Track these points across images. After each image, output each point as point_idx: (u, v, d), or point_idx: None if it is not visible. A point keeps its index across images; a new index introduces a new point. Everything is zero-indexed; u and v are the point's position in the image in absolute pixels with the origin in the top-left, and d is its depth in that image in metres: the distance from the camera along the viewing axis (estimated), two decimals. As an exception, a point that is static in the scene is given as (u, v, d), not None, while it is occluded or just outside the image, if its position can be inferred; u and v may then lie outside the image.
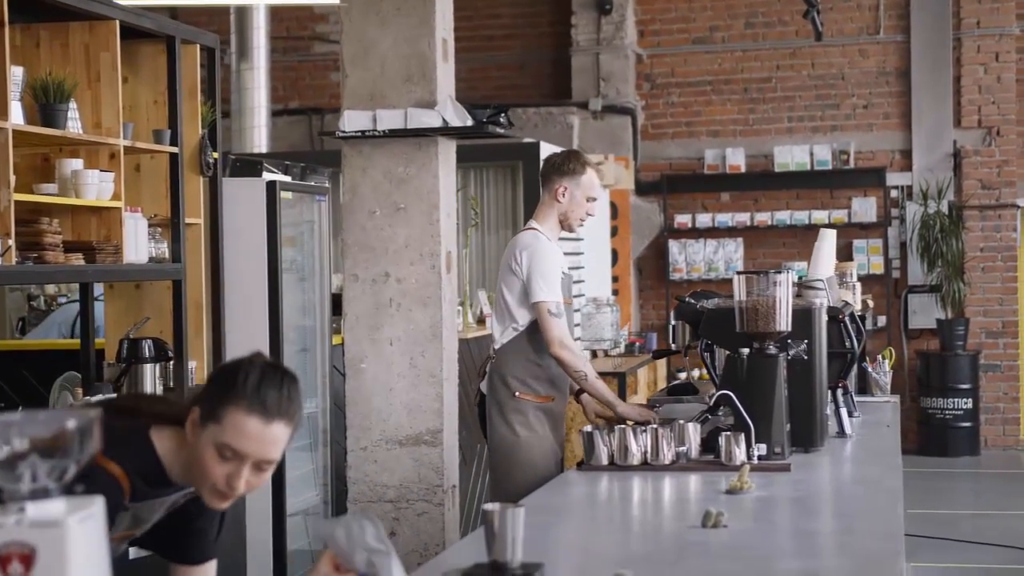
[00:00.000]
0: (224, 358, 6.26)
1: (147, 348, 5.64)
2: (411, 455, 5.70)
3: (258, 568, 6.45)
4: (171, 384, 5.82)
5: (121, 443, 2.66)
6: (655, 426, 4.41)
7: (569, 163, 5.46)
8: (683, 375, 11.39)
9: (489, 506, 2.78)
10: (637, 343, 11.05)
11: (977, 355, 12.66)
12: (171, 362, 5.81)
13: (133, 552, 4.54)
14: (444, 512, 5.73)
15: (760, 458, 4.32)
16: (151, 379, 5.63)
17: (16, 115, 4.86)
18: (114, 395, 5.30)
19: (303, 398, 2.78)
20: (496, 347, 5.43)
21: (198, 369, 6.08)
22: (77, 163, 5.23)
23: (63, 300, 9.02)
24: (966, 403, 12.47)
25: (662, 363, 11.72)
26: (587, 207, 5.48)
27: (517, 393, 5.33)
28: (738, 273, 4.54)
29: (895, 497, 3.73)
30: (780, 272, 4.51)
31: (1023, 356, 13.05)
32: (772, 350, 4.47)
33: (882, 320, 12.79)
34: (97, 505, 1.81)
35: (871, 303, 11.21)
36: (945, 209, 12.61)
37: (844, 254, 12.52)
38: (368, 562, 2.51)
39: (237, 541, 6.12)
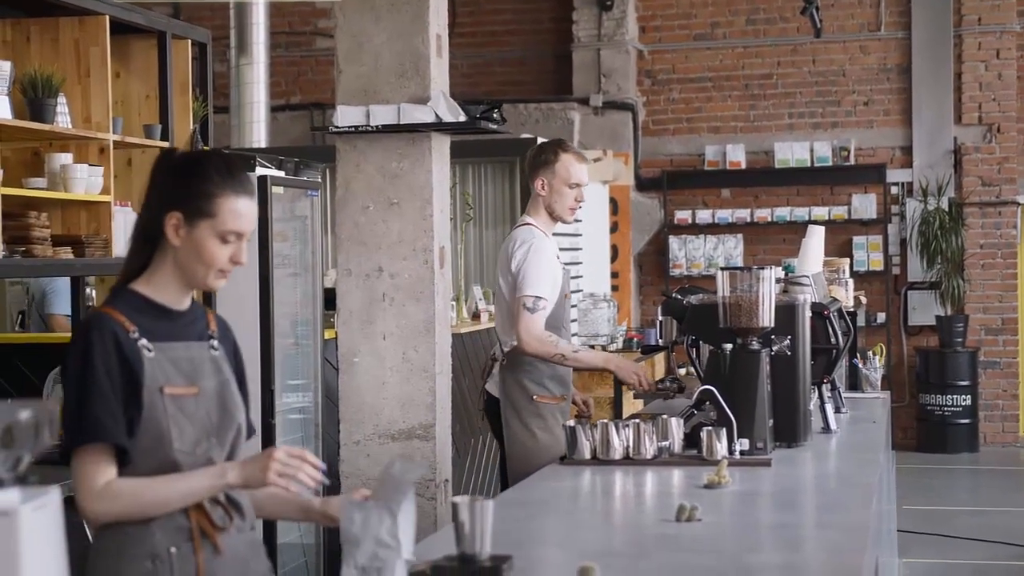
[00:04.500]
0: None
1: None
2: (404, 449, 5.71)
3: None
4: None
5: (108, 300, 2.94)
6: (638, 421, 4.42)
7: (541, 154, 5.43)
8: (683, 371, 11.38)
9: (458, 499, 2.80)
10: (636, 339, 11.05)
11: (976, 352, 12.66)
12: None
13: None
14: (436, 507, 5.74)
15: (742, 453, 4.33)
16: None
17: (4, 110, 4.89)
18: None
19: None
20: (506, 349, 5.37)
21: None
22: (66, 157, 5.25)
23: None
24: (965, 400, 12.48)
25: (661, 359, 11.72)
26: (572, 194, 5.41)
27: (536, 396, 5.31)
28: (722, 269, 4.55)
29: (868, 492, 3.74)
30: (764, 268, 4.51)
31: (1022, 353, 13.05)
32: (755, 346, 4.48)
33: (881, 317, 12.79)
34: (52, 495, 1.84)
35: (864, 299, 11.22)
36: (945, 206, 12.61)
37: (844, 251, 12.53)
38: (373, 554, 2.52)
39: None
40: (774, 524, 3.54)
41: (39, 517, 1.80)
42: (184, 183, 2.90)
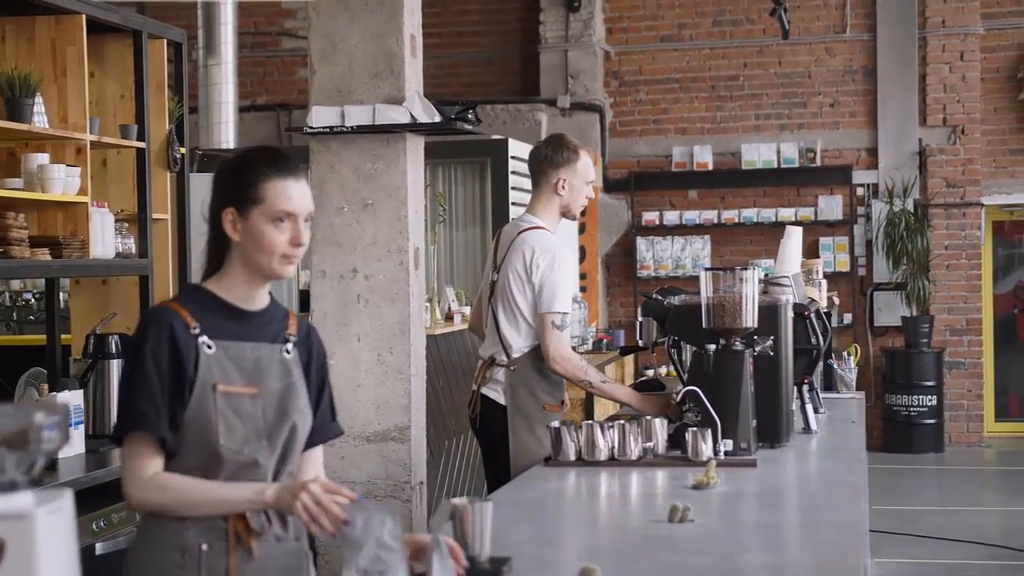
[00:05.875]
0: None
1: (114, 344, 5.60)
2: (379, 451, 5.70)
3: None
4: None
5: (177, 295, 3.10)
6: (623, 422, 4.41)
7: (562, 152, 5.19)
8: (650, 372, 11.43)
9: (457, 501, 2.79)
10: (605, 340, 11.09)
11: (941, 352, 12.75)
12: (138, 358, 5.77)
13: (100, 548, 4.54)
14: (412, 508, 5.73)
15: (727, 454, 4.33)
16: (118, 375, 5.60)
17: (-19, 110, 4.84)
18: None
19: None
20: (515, 355, 5.13)
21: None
22: (43, 157, 5.20)
23: (28, 296, 8.98)
24: (930, 400, 12.57)
25: (630, 360, 11.76)
26: (586, 191, 5.24)
27: (547, 406, 5.13)
28: (705, 269, 4.56)
29: (858, 492, 3.76)
30: (747, 269, 4.52)
31: (987, 353, 13.16)
32: (738, 346, 4.49)
33: (848, 317, 12.86)
34: (66, 498, 1.81)
35: (837, 300, 11.29)
36: (910, 207, 12.70)
37: (810, 252, 12.59)
38: (376, 557, 2.51)
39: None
40: (767, 524, 3.55)
41: (54, 520, 1.78)
42: (233, 180, 2.99)
